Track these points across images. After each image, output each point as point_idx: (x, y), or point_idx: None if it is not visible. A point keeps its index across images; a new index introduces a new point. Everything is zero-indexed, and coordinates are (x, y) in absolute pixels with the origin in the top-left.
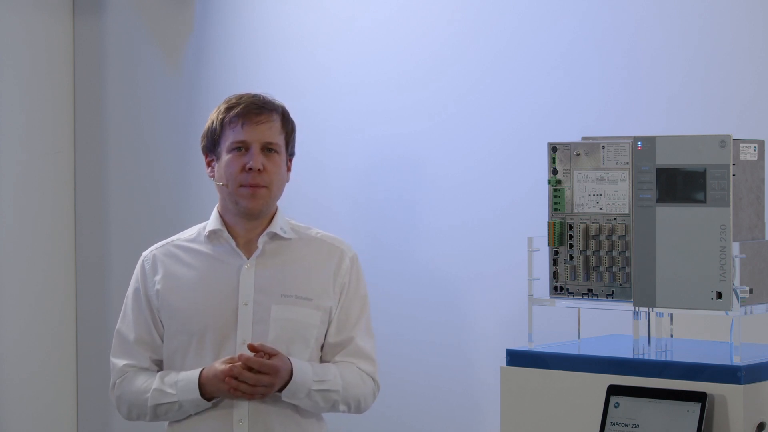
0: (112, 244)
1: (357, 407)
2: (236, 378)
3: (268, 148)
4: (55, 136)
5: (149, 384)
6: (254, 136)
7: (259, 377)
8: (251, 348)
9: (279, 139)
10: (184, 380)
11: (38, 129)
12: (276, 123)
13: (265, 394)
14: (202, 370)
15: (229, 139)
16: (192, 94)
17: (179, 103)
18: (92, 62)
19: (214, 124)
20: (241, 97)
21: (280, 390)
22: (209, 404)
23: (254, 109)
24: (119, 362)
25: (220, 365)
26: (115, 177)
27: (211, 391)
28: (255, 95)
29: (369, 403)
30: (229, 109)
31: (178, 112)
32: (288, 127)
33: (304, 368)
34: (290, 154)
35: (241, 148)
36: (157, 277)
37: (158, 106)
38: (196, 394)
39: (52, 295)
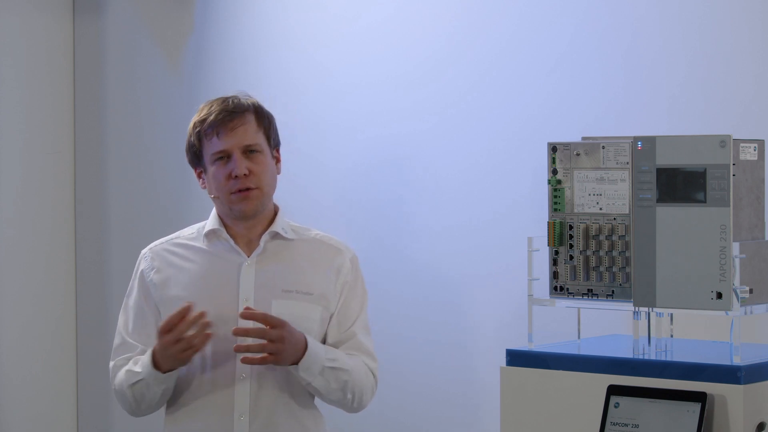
0: (112, 244)
1: (360, 400)
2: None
3: (249, 150)
4: (55, 136)
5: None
6: (232, 143)
7: (264, 331)
8: (245, 315)
9: (258, 138)
10: (145, 356)
11: (38, 129)
12: (251, 124)
13: (277, 354)
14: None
15: (209, 150)
16: (192, 94)
17: (179, 103)
18: (92, 62)
19: (192, 139)
20: (211, 105)
21: (294, 364)
22: (168, 378)
23: (226, 116)
24: (112, 363)
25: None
26: (115, 177)
27: (161, 358)
28: (224, 100)
29: (368, 399)
30: (201, 121)
31: (178, 112)
32: (264, 122)
33: (316, 343)
34: (275, 146)
35: (223, 157)
36: (156, 274)
37: (158, 106)
38: (151, 367)
39: (52, 295)
